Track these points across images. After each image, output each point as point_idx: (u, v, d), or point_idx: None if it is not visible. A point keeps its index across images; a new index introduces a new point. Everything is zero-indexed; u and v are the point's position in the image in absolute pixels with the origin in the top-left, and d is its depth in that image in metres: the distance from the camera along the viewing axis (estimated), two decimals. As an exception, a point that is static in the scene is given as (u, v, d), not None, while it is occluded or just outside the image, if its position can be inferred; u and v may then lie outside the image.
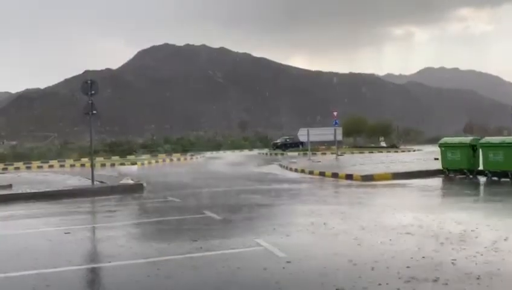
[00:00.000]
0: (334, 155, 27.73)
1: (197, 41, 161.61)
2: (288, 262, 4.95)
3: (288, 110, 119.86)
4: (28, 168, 30.96)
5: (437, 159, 16.28)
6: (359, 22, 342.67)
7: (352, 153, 36.39)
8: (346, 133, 39.21)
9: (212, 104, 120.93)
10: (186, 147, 50.06)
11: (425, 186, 12.65)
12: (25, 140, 60.17)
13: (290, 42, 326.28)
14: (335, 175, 15.91)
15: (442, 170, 14.79)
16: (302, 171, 18.53)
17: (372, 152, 37.03)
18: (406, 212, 8.18)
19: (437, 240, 5.74)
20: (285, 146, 46.55)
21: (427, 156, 22.68)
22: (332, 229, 6.71)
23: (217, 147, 54.28)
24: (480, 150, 13.66)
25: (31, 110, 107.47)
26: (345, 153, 34.28)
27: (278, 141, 49.84)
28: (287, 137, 49.63)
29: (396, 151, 37.30)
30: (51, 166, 31.46)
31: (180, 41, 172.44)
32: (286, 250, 5.42)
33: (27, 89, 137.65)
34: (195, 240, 6.31)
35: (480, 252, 5.06)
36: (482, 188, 12.58)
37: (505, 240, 5.66)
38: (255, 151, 48.95)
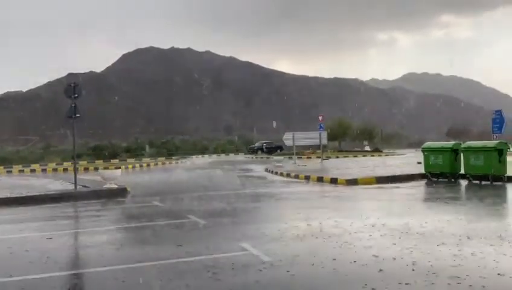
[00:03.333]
0: (319, 159, 27.88)
1: (182, 45, 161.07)
2: (272, 266, 4.96)
3: (274, 114, 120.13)
4: (9, 172, 30.38)
5: (420, 163, 16.51)
6: (343, 27, 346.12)
7: (337, 157, 36.64)
8: (331, 137, 39.48)
9: (198, 108, 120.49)
10: (171, 150, 49.73)
11: (407, 190, 12.84)
12: (5, 144, 59.04)
13: (274, 46, 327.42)
14: (320, 179, 16.00)
15: (425, 174, 15.01)
16: (288, 175, 18.57)
17: (356, 156, 37.35)
18: (389, 217, 8.27)
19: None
20: (262, 150, 46.63)
21: (411, 160, 22.95)
22: (317, 234, 6.75)
23: (203, 150, 54.07)
24: (462, 154, 13.93)
25: (12, 113, 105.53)
26: (330, 157, 34.49)
27: (255, 145, 50.01)
28: (264, 142, 49.86)
29: (380, 155, 37.70)
30: (33, 170, 30.89)
31: (165, 45, 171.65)
32: (271, 254, 5.43)
33: (8, 92, 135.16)
34: (180, 245, 6.27)
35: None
36: (462, 191, 12.80)
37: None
38: (241, 155, 48.90)
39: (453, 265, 4.76)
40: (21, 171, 30.71)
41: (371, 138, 55.59)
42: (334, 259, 5.19)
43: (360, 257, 5.20)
